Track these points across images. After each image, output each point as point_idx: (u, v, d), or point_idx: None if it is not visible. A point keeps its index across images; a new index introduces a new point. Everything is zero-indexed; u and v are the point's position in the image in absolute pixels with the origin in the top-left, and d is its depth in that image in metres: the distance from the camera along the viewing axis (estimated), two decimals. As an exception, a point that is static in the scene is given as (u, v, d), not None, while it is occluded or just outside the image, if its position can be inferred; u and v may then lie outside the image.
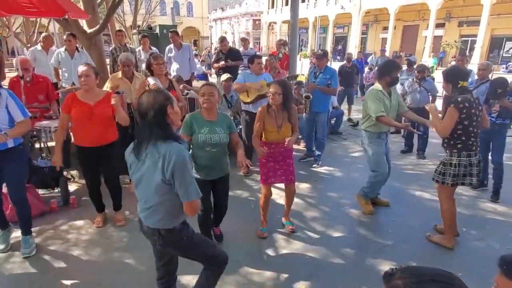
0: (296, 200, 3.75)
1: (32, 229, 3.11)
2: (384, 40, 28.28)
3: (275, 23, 41.07)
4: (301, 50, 34.32)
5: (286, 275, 2.77)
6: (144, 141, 1.76)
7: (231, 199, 3.61)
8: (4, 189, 3.02)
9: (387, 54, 18.57)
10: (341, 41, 35.48)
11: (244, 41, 7.33)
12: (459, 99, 2.85)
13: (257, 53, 6.89)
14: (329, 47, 31.18)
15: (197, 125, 2.68)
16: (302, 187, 4.31)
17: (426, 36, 24.39)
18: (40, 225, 3.37)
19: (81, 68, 2.93)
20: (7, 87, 3.57)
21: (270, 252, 3.08)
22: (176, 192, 1.76)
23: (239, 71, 6.26)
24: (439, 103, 5.41)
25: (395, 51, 25.42)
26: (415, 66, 6.35)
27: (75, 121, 3.05)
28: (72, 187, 4.11)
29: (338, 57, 30.26)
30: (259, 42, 43.96)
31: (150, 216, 1.86)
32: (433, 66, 17.25)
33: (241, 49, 7.20)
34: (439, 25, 24.41)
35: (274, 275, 2.77)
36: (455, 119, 2.86)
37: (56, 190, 3.94)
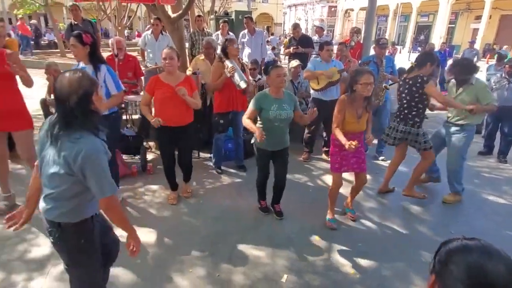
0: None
1: (121, 186, 3.63)
2: (475, 31, 25.34)
3: (352, 10, 39.22)
4: (378, 39, 32.29)
5: (336, 259, 2.85)
6: (61, 128, 1.56)
7: (290, 183, 3.77)
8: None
9: (477, 46, 16.73)
10: (424, 30, 32.64)
11: (318, 28, 7.26)
12: None
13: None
14: (409, 37, 28.95)
15: (267, 103, 3.02)
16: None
17: (528, 28, 21.31)
18: (123, 185, 3.88)
19: (166, 51, 3.17)
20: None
21: (322, 234, 3.17)
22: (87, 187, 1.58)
23: (310, 59, 6.28)
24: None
25: (488, 43, 22.68)
26: (505, 60, 5.71)
27: (158, 101, 3.23)
28: (149, 156, 4.62)
29: (419, 48, 27.97)
30: (333, 30, 42.52)
31: (51, 208, 1.64)
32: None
33: (315, 37, 7.16)
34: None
35: (325, 257, 2.87)
36: None
37: (136, 157, 4.47)
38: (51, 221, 1.66)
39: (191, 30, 8.46)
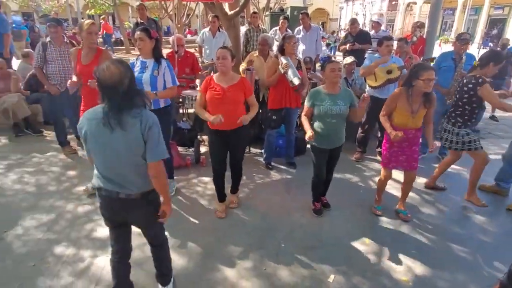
0: (411, 194, 3.60)
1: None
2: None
3: (414, 3, 36.85)
4: (443, 34, 30.13)
5: (387, 264, 2.74)
6: (124, 109, 1.75)
7: (341, 182, 3.70)
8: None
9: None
10: (497, 24, 29.66)
11: (375, 23, 6.95)
12: None
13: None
14: (480, 31, 26.49)
15: (319, 98, 3.03)
16: (421, 181, 4.02)
17: None
18: (177, 175, 4.08)
19: (219, 50, 3.04)
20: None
21: (373, 237, 3.06)
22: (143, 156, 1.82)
23: (366, 55, 6.04)
24: None
25: None
26: None
27: (209, 102, 3.08)
28: (202, 149, 4.79)
29: (490, 44, 25.49)
30: (393, 25, 40.34)
31: (132, 184, 1.88)
32: None
33: (371, 32, 6.88)
34: None
35: (375, 261, 2.77)
36: None
37: (190, 150, 4.67)
38: (139, 194, 1.91)
39: (246, 26, 8.58)
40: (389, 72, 4.21)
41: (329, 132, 3.07)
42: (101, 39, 15.94)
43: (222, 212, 3.35)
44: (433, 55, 5.77)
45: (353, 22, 6.16)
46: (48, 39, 4.19)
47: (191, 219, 3.27)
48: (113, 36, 20.74)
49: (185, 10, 15.71)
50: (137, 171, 1.87)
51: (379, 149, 4.80)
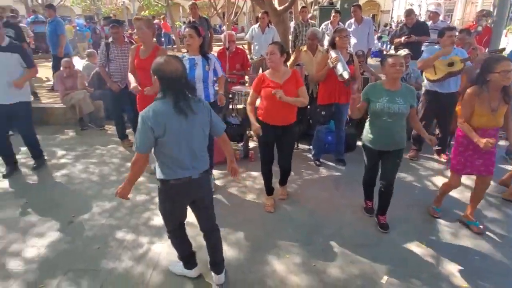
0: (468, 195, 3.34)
1: (219, 172, 3.94)
2: None
3: (477, -9, 33.97)
4: (509, 23, 27.35)
5: (446, 268, 2.58)
6: (190, 96, 2.00)
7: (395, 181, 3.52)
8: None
9: None
10: None
11: (433, 14, 6.51)
12: None
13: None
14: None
15: (375, 94, 2.81)
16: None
17: None
18: (226, 170, 4.17)
19: (269, 45, 3.04)
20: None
21: (429, 241, 2.90)
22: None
23: (422, 48, 5.70)
24: None
25: None
26: None
27: (265, 99, 3.08)
28: (251, 144, 4.86)
29: None
30: (451, 15, 37.54)
31: (201, 163, 2.14)
32: None
33: (429, 23, 6.47)
34: None
35: (431, 265, 2.63)
36: None
37: (239, 145, 4.76)
38: (203, 172, 2.16)
39: (293, 21, 8.50)
40: (450, 64, 3.93)
41: (383, 132, 2.82)
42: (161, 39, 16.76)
43: (271, 206, 3.37)
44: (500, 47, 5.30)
45: (410, 12, 5.82)
46: (110, 39, 4.50)
47: (240, 212, 3.33)
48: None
49: (234, 8, 15.94)
50: (204, 149, 2.15)
51: (436, 148, 4.52)
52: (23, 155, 4.63)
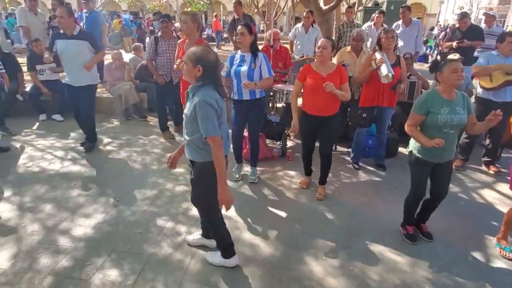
0: None
1: (258, 168, 3.96)
2: None
3: (535, -5, 31.67)
4: None
5: (497, 285, 2.44)
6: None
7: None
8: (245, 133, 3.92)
9: None
10: None
11: (490, 17, 6.15)
12: None
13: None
14: None
15: (436, 105, 2.52)
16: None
17: None
18: (264, 167, 4.20)
19: (322, 40, 3.24)
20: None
21: (478, 255, 2.75)
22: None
23: (475, 53, 5.42)
24: None
25: None
26: None
27: (307, 89, 3.34)
28: (289, 143, 4.84)
29: None
30: (504, 21, 35.27)
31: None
32: None
33: (482, 26, 6.11)
34: None
35: (480, 280, 2.49)
36: None
37: (277, 143, 4.76)
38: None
39: (335, 22, 8.35)
40: (509, 73, 3.69)
41: (444, 145, 2.49)
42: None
43: (305, 183, 3.75)
44: None
45: (464, 16, 5.52)
46: (159, 33, 4.66)
47: (277, 210, 3.33)
48: (204, 33, 22.12)
49: (275, 7, 15.97)
50: None
51: (485, 159, 4.28)
52: (72, 140, 4.91)
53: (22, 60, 6.44)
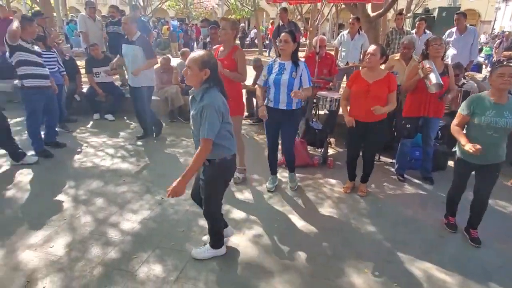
0: None
1: (297, 175, 3.93)
2: None
3: None
4: None
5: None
6: None
7: (491, 208, 3.23)
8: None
9: None
10: None
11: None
12: None
13: None
14: None
15: (481, 107, 2.65)
16: None
17: None
18: (304, 173, 4.17)
19: (371, 46, 3.23)
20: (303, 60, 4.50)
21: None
22: None
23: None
24: None
25: None
26: None
27: (353, 95, 3.40)
28: (330, 151, 4.77)
29: None
30: None
31: None
32: None
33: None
34: None
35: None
36: None
37: (319, 150, 4.71)
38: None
39: (381, 29, 8.11)
40: None
41: (485, 147, 2.58)
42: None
43: (348, 188, 3.76)
44: None
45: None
46: (208, 39, 4.83)
47: (316, 218, 3.29)
48: (247, 39, 22.47)
49: (319, 14, 15.89)
50: None
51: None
52: (122, 139, 5.20)
53: (80, 63, 6.95)
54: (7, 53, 4.55)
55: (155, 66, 6.47)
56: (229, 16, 22.14)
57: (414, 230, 3.13)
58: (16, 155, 4.15)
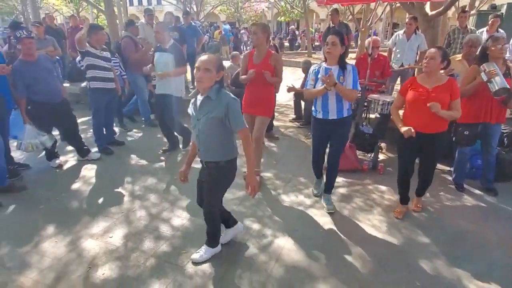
0: None
1: (345, 180, 3.81)
2: None
3: None
4: None
5: None
6: None
7: None
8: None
9: None
10: None
11: None
12: None
13: None
14: None
15: None
16: None
17: None
18: (352, 178, 4.05)
19: (430, 50, 2.95)
20: (354, 62, 4.38)
21: None
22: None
23: None
24: None
25: None
26: None
27: (410, 103, 3.03)
28: (381, 156, 4.59)
29: None
30: None
31: None
32: None
33: None
34: None
35: None
36: None
37: (368, 155, 4.55)
38: None
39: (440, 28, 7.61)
40: None
41: None
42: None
43: (400, 213, 3.31)
44: None
45: None
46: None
47: (367, 227, 3.17)
48: (298, 40, 22.37)
49: (372, 14, 15.35)
50: None
51: None
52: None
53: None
54: (77, 58, 5.00)
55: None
56: (278, 19, 22.23)
57: (475, 245, 2.89)
58: (82, 152, 4.56)
